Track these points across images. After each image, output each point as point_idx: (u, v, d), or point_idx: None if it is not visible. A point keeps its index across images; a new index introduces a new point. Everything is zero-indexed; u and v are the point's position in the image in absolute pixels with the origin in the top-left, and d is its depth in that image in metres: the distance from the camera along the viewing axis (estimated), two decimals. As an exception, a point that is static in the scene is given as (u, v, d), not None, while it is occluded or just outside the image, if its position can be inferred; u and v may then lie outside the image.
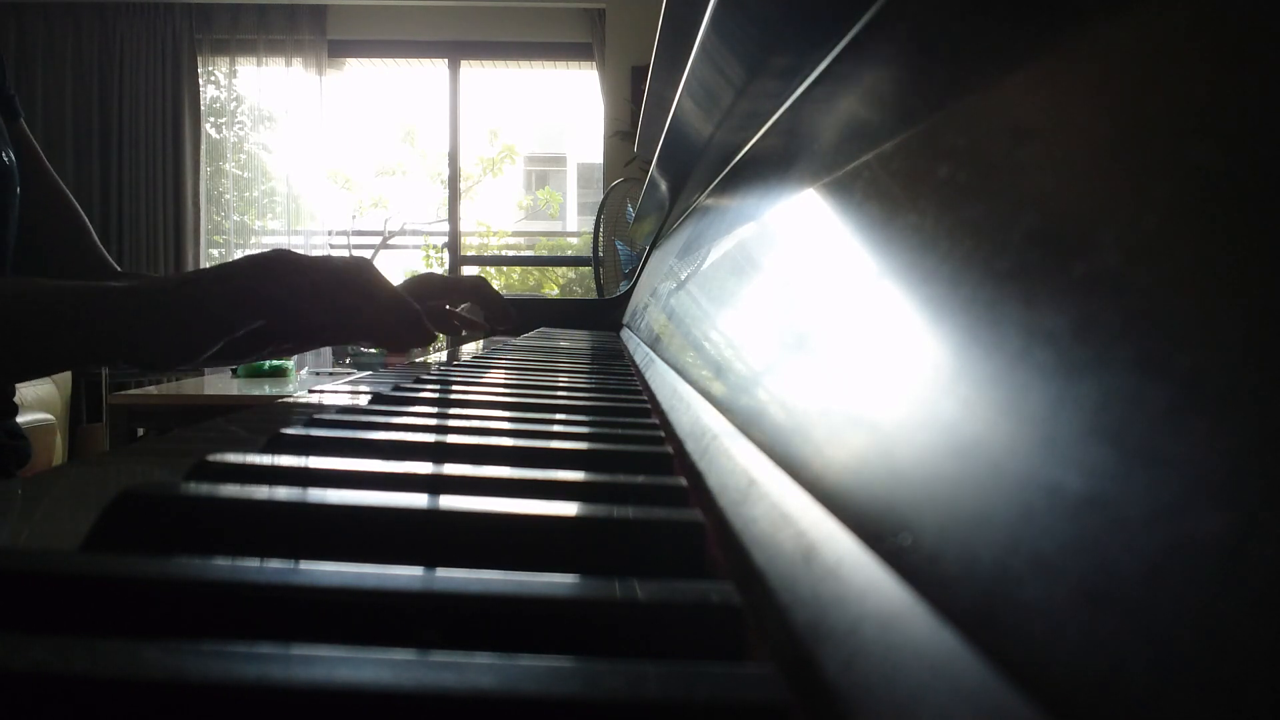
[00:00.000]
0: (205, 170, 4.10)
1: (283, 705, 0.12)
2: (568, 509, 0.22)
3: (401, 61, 4.34)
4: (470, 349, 1.04)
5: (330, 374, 3.01)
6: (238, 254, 4.31)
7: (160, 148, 3.97)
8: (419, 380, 0.56)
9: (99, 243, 0.87)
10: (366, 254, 4.95)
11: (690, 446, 0.30)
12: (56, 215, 0.84)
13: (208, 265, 4.10)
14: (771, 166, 0.45)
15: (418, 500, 0.22)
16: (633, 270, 1.84)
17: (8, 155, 0.75)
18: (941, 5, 0.24)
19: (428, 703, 0.13)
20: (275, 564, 0.17)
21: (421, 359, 0.90)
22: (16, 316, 0.51)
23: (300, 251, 0.61)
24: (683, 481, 0.27)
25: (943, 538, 0.13)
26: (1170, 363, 0.10)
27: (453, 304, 0.98)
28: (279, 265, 0.55)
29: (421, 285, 0.92)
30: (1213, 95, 0.11)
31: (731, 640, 0.16)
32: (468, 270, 4.78)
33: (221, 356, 0.59)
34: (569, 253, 5.97)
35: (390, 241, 5.03)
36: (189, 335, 0.53)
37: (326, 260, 0.58)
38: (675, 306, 0.66)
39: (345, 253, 4.93)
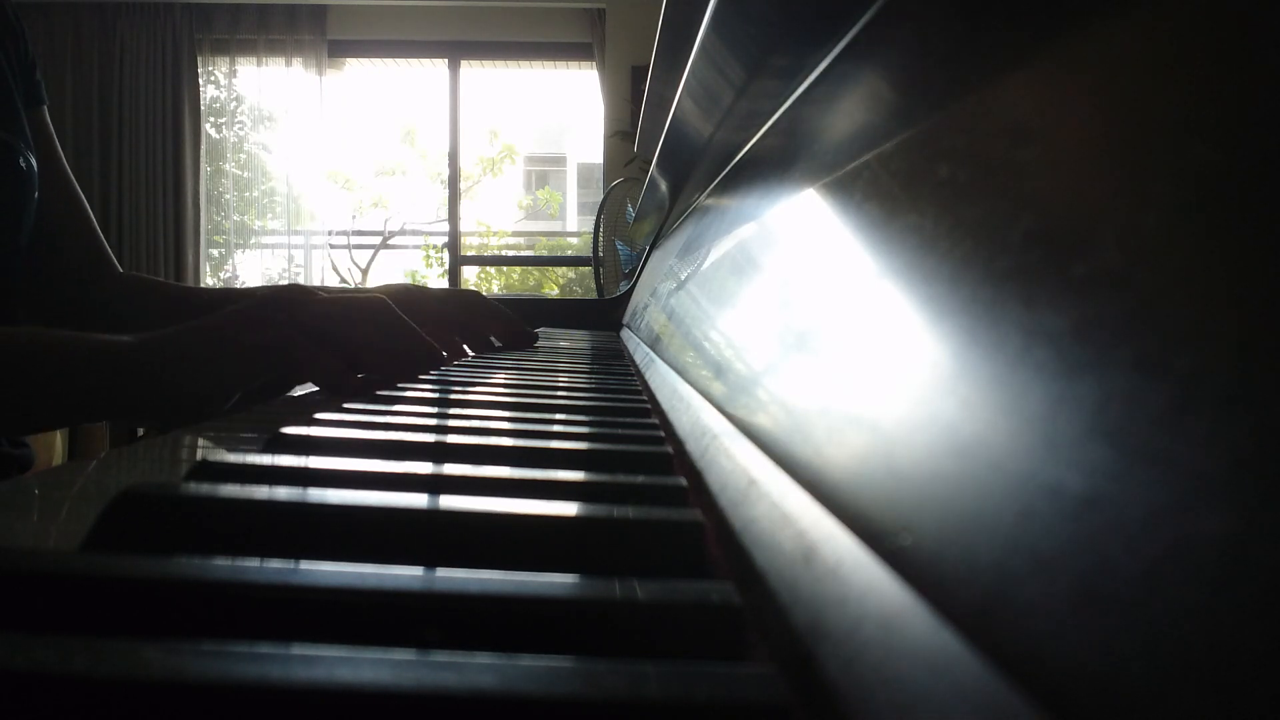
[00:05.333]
0: (205, 170, 4.10)
1: (283, 705, 0.12)
2: (568, 509, 0.22)
3: (401, 61, 4.35)
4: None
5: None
6: (238, 254, 4.31)
7: (160, 148, 3.97)
8: (419, 380, 0.56)
9: (102, 237, 0.87)
10: (366, 255, 4.95)
11: (690, 446, 0.30)
12: (66, 208, 0.83)
13: (207, 265, 4.04)
14: (771, 166, 0.45)
15: (418, 500, 0.22)
16: (633, 270, 1.84)
17: (26, 160, 0.74)
18: (941, 5, 0.24)
19: (428, 703, 0.13)
20: (275, 564, 0.17)
21: None
22: (9, 370, 0.48)
23: (311, 285, 0.57)
24: (683, 481, 0.27)
25: (943, 538, 0.13)
26: (1170, 363, 0.10)
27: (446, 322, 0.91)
28: (286, 305, 0.52)
29: (460, 303, 0.86)
30: (1212, 95, 0.11)
31: (731, 640, 0.16)
32: (468, 271, 4.77)
33: (240, 403, 0.56)
34: (569, 253, 5.98)
35: (390, 241, 5.03)
36: (200, 391, 0.50)
37: (340, 299, 0.56)
38: (675, 307, 0.66)
39: (346, 254, 4.93)
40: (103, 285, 0.84)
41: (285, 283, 0.55)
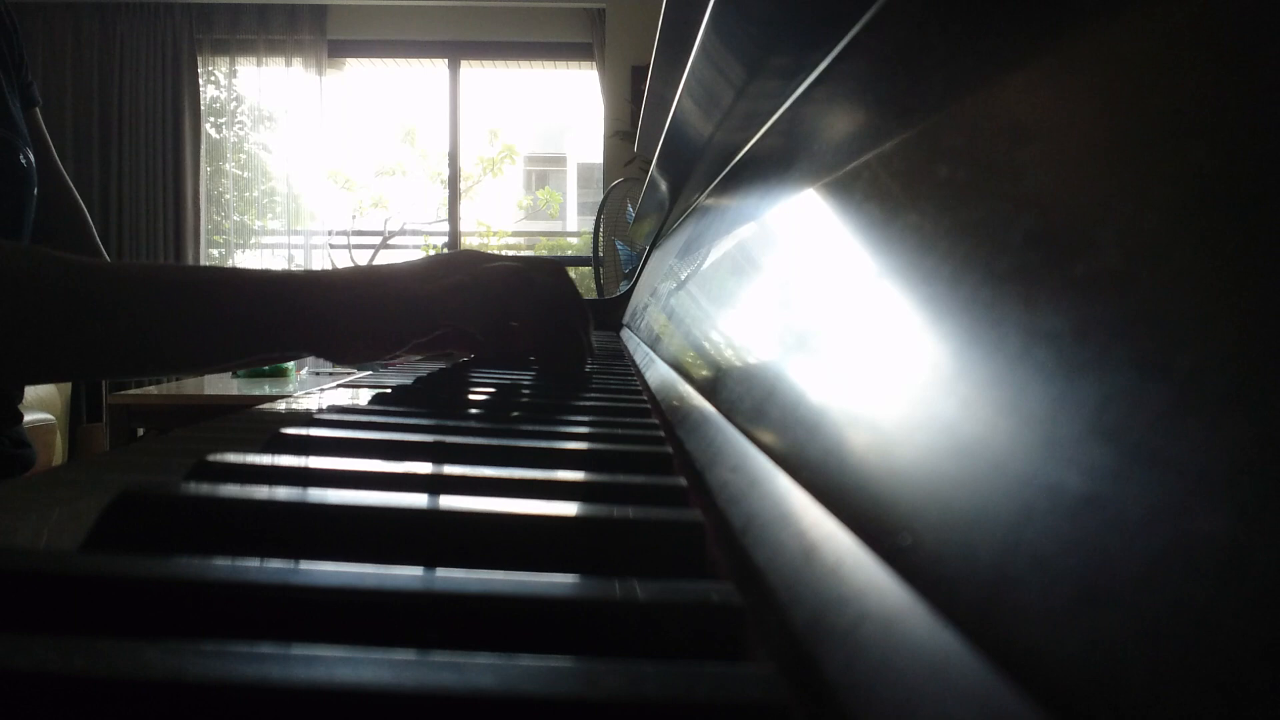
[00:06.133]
0: (205, 170, 4.10)
1: (283, 705, 0.12)
2: (568, 509, 0.22)
3: (401, 61, 4.35)
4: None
5: (330, 374, 3.01)
6: (238, 254, 4.31)
7: (160, 148, 3.97)
8: (419, 380, 0.56)
9: (97, 241, 0.87)
10: (366, 254, 4.94)
11: (690, 446, 0.30)
12: (61, 208, 0.84)
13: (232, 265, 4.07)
14: (771, 166, 0.45)
15: (418, 500, 0.22)
16: (633, 270, 1.85)
17: (26, 156, 0.75)
18: (941, 5, 0.24)
19: (428, 703, 0.13)
20: (275, 564, 0.17)
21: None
22: (204, 299, 0.49)
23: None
24: (683, 481, 0.27)
25: (943, 538, 0.13)
26: (1170, 363, 0.10)
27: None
28: (502, 278, 0.53)
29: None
30: (1213, 95, 0.11)
31: (731, 640, 0.16)
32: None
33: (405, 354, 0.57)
34: (569, 253, 5.97)
35: (390, 241, 5.03)
36: (384, 331, 0.51)
37: (530, 265, 0.56)
38: (675, 306, 0.66)
39: (346, 254, 4.93)
40: None
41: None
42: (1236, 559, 0.08)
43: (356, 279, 0.52)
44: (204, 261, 4.08)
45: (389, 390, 0.49)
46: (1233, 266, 0.10)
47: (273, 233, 4.37)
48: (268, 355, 0.52)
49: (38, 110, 0.83)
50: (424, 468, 0.26)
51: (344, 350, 0.52)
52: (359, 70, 4.51)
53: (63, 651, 0.13)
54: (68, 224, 0.84)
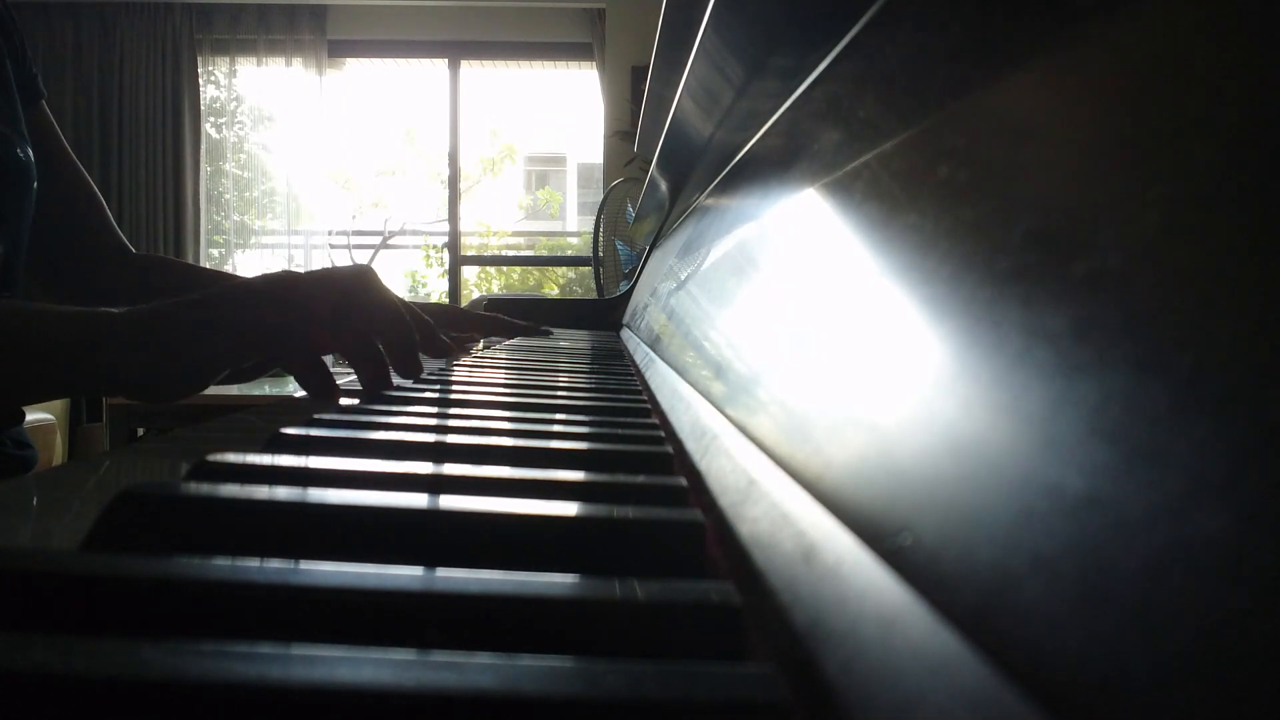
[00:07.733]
0: (205, 170, 4.10)
1: (283, 705, 0.12)
2: (568, 509, 0.22)
3: (401, 61, 4.35)
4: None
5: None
6: (238, 254, 4.31)
7: (160, 148, 3.97)
8: (420, 380, 0.56)
9: (115, 225, 0.87)
10: (366, 254, 4.95)
11: (690, 446, 0.30)
12: (75, 199, 0.83)
13: (207, 265, 4.07)
14: (771, 166, 0.45)
15: (418, 500, 0.22)
16: (633, 270, 1.85)
17: (24, 151, 0.75)
18: (942, 5, 0.24)
19: (428, 703, 0.13)
20: (275, 564, 0.17)
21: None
22: None
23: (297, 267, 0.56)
24: (683, 481, 0.27)
25: (943, 538, 0.13)
26: (1170, 363, 0.10)
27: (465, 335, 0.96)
28: (277, 289, 0.51)
29: (436, 314, 0.89)
30: (1212, 95, 0.11)
31: (731, 640, 0.16)
32: (468, 271, 4.78)
33: (224, 381, 0.56)
34: (569, 253, 5.98)
35: (390, 241, 5.03)
36: (184, 367, 0.50)
37: (326, 273, 0.54)
38: (675, 306, 0.66)
39: (346, 254, 4.93)
40: (122, 272, 0.85)
41: (277, 270, 0.53)
42: (1236, 559, 0.08)
43: (162, 313, 0.50)
44: (204, 262, 4.07)
45: (389, 391, 0.49)
46: (1232, 266, 0.10)
47: (273, 233, 4.37)
48: (80, 390, 0.50)
49: (44, 103, 0.83)
50: (424, 467, 0.26)
51: (152, 385, 0.50)
52: (359, 70, 4.51)
53: (63, 651, 0.13)
54: (82, 214, 0.84)
